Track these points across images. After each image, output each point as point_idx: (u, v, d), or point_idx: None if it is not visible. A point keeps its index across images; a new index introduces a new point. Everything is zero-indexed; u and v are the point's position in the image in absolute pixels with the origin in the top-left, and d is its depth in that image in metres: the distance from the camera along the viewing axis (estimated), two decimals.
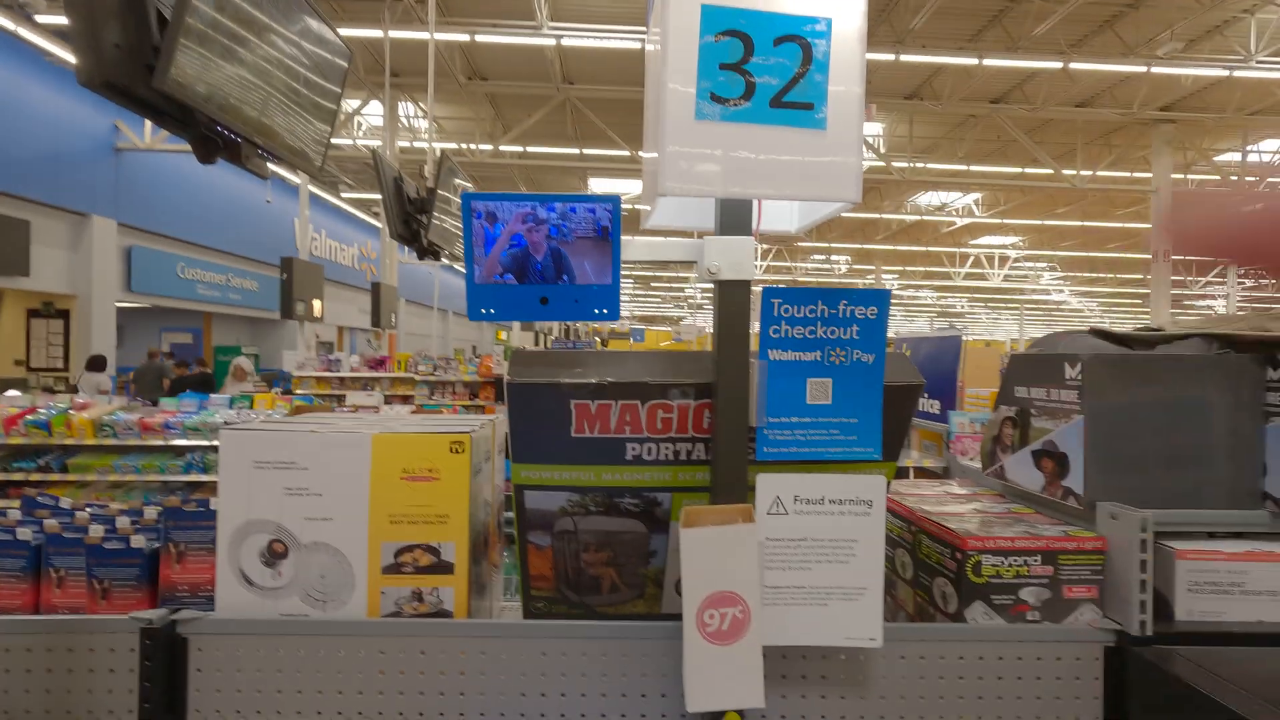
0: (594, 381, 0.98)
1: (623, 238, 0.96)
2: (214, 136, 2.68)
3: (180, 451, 4.52)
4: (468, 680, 1.04)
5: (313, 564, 1.13)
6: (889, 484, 1.04)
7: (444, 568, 1.14)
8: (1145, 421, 1.14)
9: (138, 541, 1.22)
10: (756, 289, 0.96)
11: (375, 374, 8.93)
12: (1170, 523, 1.10)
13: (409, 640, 1.04)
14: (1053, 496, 1.21)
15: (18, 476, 4.31)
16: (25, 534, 1.25)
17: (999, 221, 18.66)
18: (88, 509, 1.43)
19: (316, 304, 9.00)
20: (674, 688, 1.04)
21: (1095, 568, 1.08)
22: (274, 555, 1.14)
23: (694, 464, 1.05)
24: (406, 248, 5.44)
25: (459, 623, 1.06)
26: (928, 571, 1.17)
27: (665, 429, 1.02)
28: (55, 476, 4.40)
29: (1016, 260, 24.34)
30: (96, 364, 9.36)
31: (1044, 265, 25.84)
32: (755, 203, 0.93)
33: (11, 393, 5.10)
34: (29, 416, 4.28)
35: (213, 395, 5.09)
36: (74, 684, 1.02)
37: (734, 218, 0.93)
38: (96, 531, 1.25)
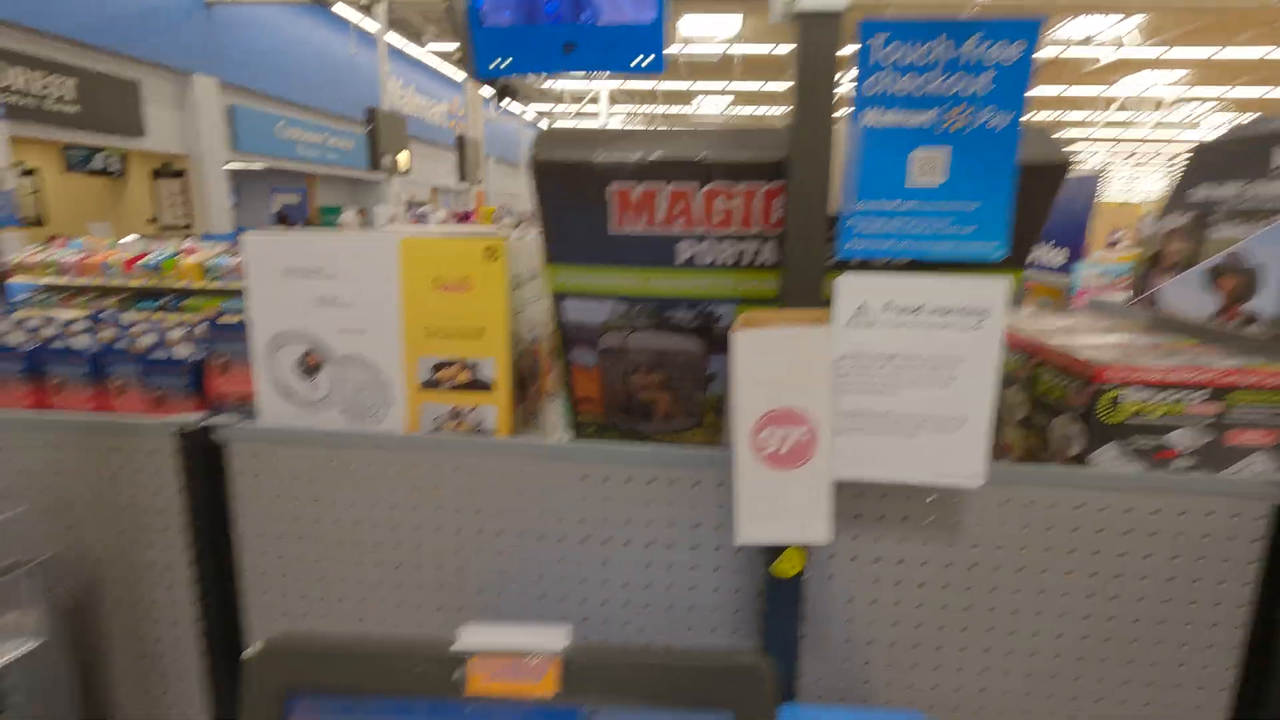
0: (637, 159, 0.79)
1: None
2: None
3: None
4: (501, 499, 0.96)
5: (349, 378, 1.07)
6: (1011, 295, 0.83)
7: (483, 385, 1.05)
8: None
9: (182, 351, 1.20)
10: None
11: (460, 227, 8.96)
12: None
13: (441, 455, 0.97)
14: (1226, 325, 0.95)
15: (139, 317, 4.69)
16: (82, 342, 1.25)
17: (1160, 55, 15.83)
18: (147, 324, 1.43)
19: (403, 156, 8.95)
20: (731, 520, 0.93)
21: (1279, 410, 0.84)
22: (309, 368, 1.08)
23: (760, 269, 0.87)
24: (491, 102, 5.16)
25: (491, 441, 0.98)
26: (1046, 410, 0.97)
27: (725, 223, 0.83)
28: (173, 317, 4.75)
29: (1175, 102, 20.91)
30: (285, 219, 10.01)
31: (1208, 108, 22.12)
32: None
33: (130, 237, 5.47)
34: (142, 260, 4.58)
35: None
36: (125, 485, 1.03)
37: None
38: (145, 341, 1.23)
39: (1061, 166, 0.78)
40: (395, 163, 8.88)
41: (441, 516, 0.98)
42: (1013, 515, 0.88)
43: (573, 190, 0.82)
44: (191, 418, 1.00)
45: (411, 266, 1.03)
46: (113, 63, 9.48)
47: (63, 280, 4.79)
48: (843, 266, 0.81)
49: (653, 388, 1.02)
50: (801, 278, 0.76)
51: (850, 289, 0.75)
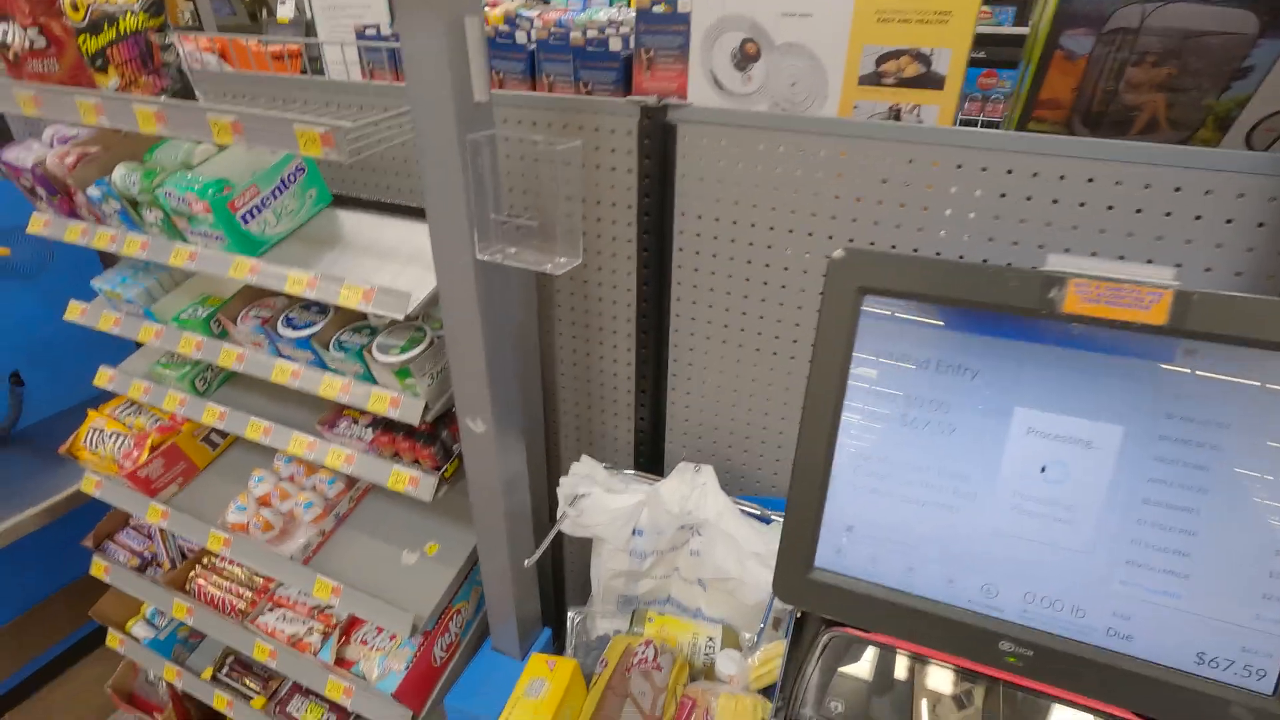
0: None
1: None
2: None
3: None
4: (943, 197, 0.93)
5: (784, 69, 1.05)
6: None
7: (932, 80, 0.98)
8: None
9: (614, 45, 1.26)
10: None
11: None
12: None
13: (878, 144, 0.95)
14: None
15: None
16: (520, 38, 1.37)
17: None
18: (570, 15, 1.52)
19: None
20: (1236, 238, 0.82)
21: None
22: (746, 57, 1.08)
23: None
24: None
25: (940, 130, 0.92)
26: None
27: None
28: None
29: None
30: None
31: None
32: None
33: None
34: None
35: None
36: (588, 157, 1.15)
37: None
38: (578, 36, 1.31)
39: None
40: None
41: (862, 208, 0.99)
42: None
43: None
44: (651, 98, 1.06)
45: None
46: None
47: None
48: None
49: (1149, 86, 0.88)
50: None
51: None
